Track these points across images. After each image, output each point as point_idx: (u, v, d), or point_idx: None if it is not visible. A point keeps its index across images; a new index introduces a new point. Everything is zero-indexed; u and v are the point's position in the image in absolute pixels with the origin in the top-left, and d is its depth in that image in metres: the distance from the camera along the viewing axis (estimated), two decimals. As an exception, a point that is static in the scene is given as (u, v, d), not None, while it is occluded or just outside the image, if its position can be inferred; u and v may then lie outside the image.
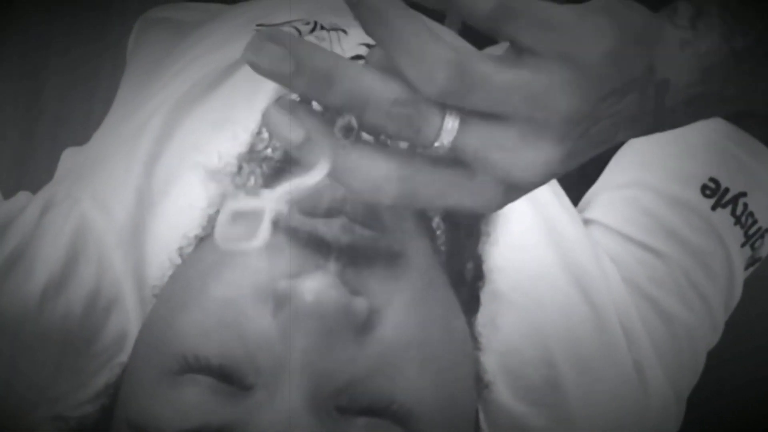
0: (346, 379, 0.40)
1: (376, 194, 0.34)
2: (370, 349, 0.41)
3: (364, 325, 0.41)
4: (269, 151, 0.57)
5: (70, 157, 0.67)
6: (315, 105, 0.34)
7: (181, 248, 0.51)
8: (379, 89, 0.32)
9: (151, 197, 0.57)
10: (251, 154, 0.57)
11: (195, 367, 0.41)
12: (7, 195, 0.58)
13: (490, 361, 0.55)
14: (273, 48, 0.31)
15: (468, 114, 0.33)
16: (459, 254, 0.55)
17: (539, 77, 0.33)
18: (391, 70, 0.33)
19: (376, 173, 0.34)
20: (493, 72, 0.32)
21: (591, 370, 0.57)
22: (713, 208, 0.60)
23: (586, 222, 0.62)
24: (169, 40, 0.74)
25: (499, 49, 0.38)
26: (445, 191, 0.35)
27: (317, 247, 0.42)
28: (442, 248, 0.53)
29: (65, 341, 0.52)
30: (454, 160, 0.34)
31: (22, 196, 0.56)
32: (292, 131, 0.33)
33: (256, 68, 0.32)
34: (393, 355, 0.42)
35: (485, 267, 0.56)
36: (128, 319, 0.53)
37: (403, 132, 0.33)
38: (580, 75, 0.33)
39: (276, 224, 0.41)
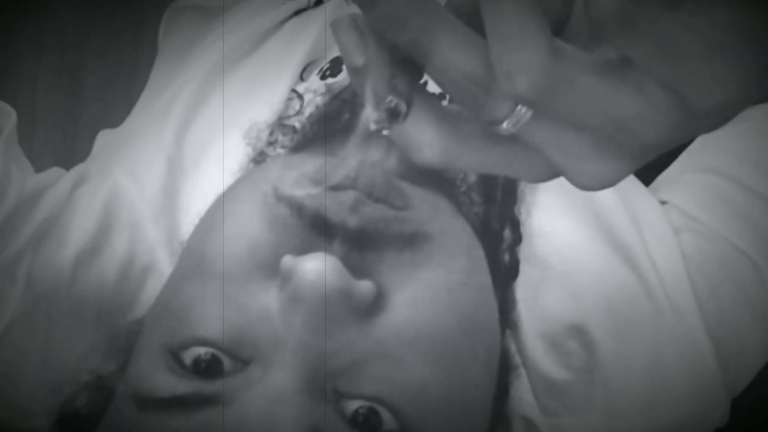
0: (344, 363, 0.39)
1: (415, 155, 0.32)
2: (373, 335, 0.40)
3: (368, 310, 0.40)
4: (298, 118, 0.57)
5: (104, 137, 0.67)
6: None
7: None
8: (454, 57, 0.28)
9: (183, 166, 0.57)
10: (281, 120, 0.56)
11: (193, 342, 0.40)
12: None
13: (530, 328, 0.54)
14: None
15: (545, 110, 0.29)
16: (496, 217, 0.54)
17: (638, 100, 0.28)
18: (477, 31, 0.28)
19: (421, 136, 0.31)
20: (589, 84, 0.28)
21: (628, 338, 0.55)
22: None
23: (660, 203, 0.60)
24: (199, 24, 0.75)
25: None
26: (493, 163, 0.32)
27: (322, 228, 0.40)
28: (476, 210, 0.52)
29: (101, 310, 0.52)
30: (510, 136, 0.31)
31: (54, 171, 0.57)
32: (356, 53, 0.29)
33: None
34: (398, 344, 0.40)
35: (523, 230, 0.55)
36: None
37: (465, 104, 0.30)
38: (681, 112, 0.29)
39: (281, 197, 0.41)
